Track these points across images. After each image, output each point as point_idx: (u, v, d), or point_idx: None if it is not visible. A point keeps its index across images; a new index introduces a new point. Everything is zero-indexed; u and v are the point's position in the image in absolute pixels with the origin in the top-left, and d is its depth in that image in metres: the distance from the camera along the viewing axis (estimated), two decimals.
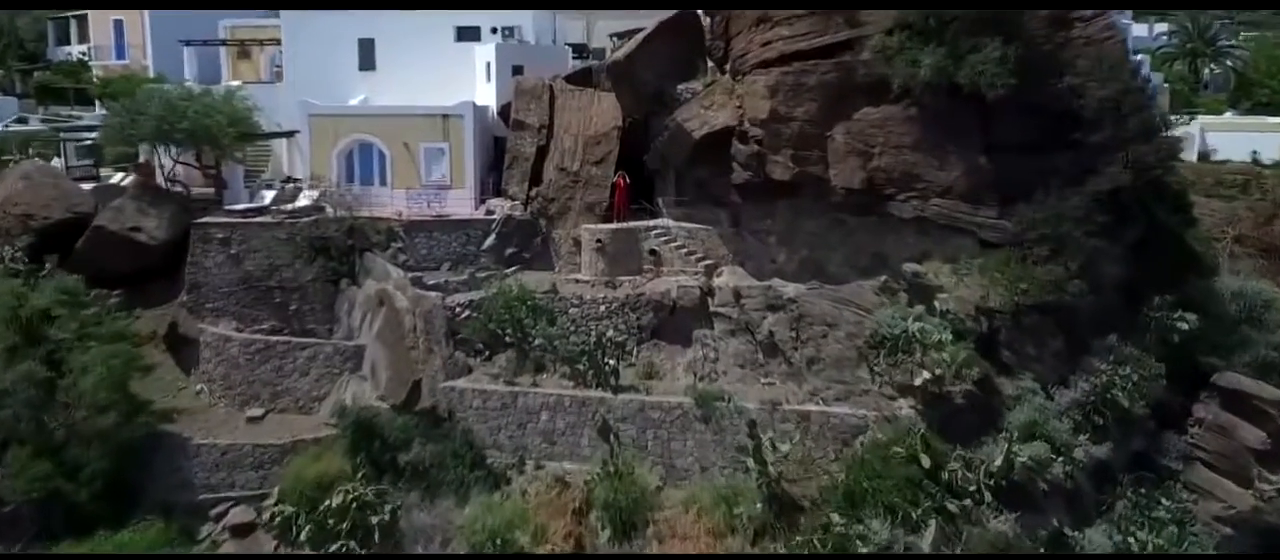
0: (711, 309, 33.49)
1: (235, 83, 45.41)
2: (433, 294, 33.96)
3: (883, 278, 32.29)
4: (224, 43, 48.47)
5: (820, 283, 32.90)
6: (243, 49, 49.56)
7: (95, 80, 55.79)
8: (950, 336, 29.28)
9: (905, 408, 29.31)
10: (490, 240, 36.78)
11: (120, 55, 57.69)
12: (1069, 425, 29.00)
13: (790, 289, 33.00)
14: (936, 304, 30.32)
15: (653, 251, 35.27)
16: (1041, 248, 30.10)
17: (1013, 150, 31.14)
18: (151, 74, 50.67)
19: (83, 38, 61.16)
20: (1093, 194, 30.09)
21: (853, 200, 32.27)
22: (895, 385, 29.78)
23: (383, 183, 39.38)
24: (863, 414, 29.55)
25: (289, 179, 40.98)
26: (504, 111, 39.46)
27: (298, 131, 39.97)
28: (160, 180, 39.27)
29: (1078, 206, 29.96)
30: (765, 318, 32.60)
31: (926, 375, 28.81)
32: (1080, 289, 29.58)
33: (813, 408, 30.18)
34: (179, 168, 40.88)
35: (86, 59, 60.32)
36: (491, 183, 39.10)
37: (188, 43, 47.77)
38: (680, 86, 35.39)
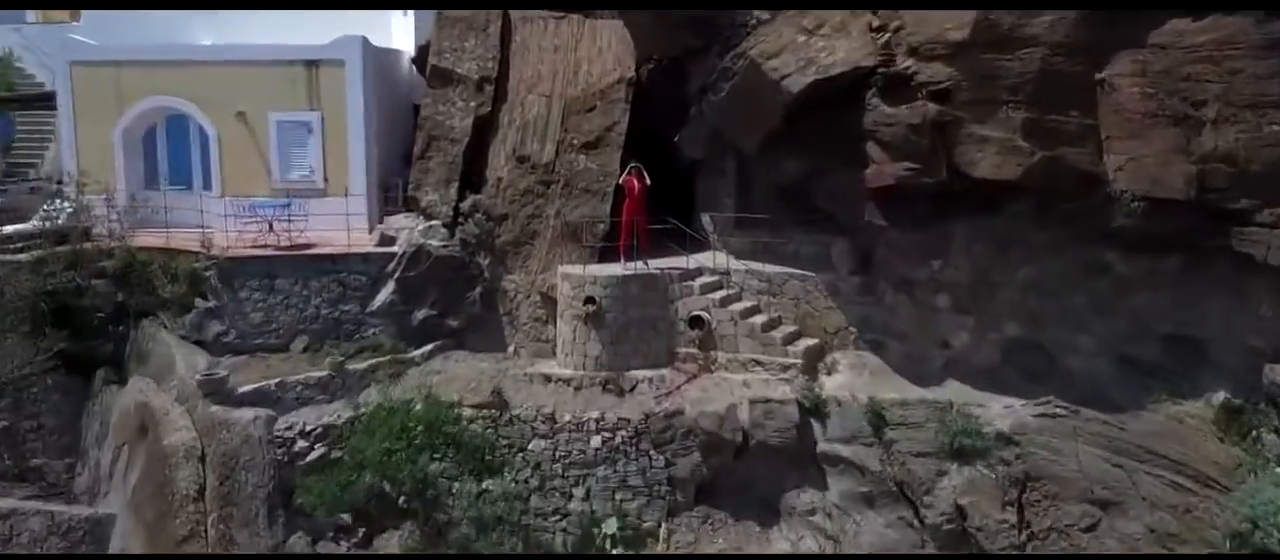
0: (820, 447, 16.12)
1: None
2: (249, 412, 16.53)
3: (1219, 396, 14.78)
4: None
5: (1063, 402, 15.33)
6: None
7: None
8: None
9: None
10: (385, 294, 19.33)
11: None
12: None
13: (996, 409, 15.51)
14: None
15: (696, 319, 17.82)
16: None
17: None
18: None
19: None
20: None
21: (1147, 224, 14.68)
22: None
23: (207, 185, 22.04)
24: None
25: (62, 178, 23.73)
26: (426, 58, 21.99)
27: (47, 95, 22.54)
28: None
29: None
30: (944, 473, 15.11)
31: None
32: None
33: None
34: None
35: None
36: (401, 186, 21.68)
37: None
38: None
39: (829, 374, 17.16)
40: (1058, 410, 15.04)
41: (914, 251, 16.86)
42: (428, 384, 17.76)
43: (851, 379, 16.90)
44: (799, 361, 17.05)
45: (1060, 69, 14.05)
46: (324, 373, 17.72)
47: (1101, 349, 15.81)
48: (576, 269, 18.27)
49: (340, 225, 20.46)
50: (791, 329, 17.71)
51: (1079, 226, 15.32)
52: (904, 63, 15.20)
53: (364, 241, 20.37)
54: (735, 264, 18.45)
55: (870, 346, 17.33)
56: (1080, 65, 14.19)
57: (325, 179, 21.63)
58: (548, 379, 17.92)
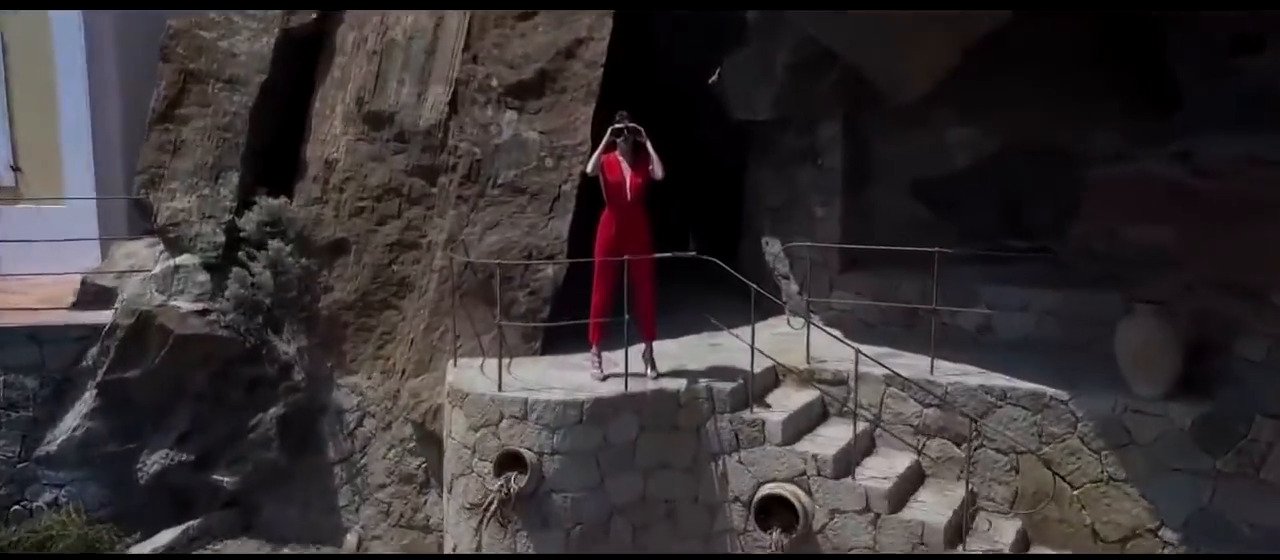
0: None
1: None
2: None
3: None
4: None
5: None
6: None
7: None
8: None
9: None
10: (76, 416, 8.87)
11: None
12: None
13: None
14: None
15: (773, 504, 7.29)
16: None
17: None
18: None
19: None
20: None
21: None
22: None
23: None
24: None
25: None
26: None
27: None
28: None
29: None
30: None
31: None
32: None
33: None
34: None
35: None
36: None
37: None
38: None
39: None
40: None
41: None
42: None
43: None
44: None
45: None
46: None
47: None
48: (483, 381, 7.71)
49: (40, 257, 9.95)
50: (1012, 528, 7.28)
51: None
52: None
53: (60, 297, 9.91)
54: (864, 365, 7.84)
55: None
56: None
57: (16, 167, 11.23)
58: None
